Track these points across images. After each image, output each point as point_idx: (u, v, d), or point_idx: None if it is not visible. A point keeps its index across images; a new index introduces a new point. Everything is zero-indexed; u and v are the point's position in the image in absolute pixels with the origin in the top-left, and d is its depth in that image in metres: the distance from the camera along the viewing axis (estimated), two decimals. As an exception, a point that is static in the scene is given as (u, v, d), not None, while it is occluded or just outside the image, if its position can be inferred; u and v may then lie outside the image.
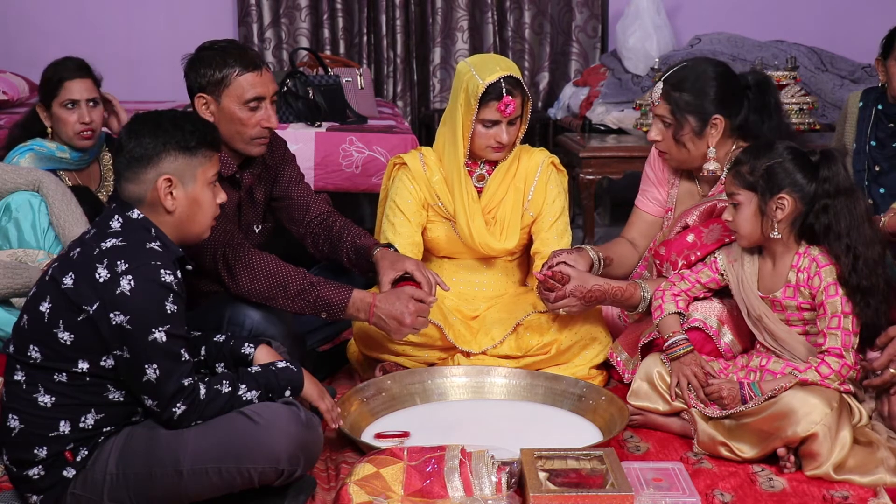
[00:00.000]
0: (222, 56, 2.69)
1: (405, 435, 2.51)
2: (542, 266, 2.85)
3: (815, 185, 2.40)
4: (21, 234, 2.97)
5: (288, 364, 2.22)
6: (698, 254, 2.69)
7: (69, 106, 3.15)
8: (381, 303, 2.63)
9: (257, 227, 2.98)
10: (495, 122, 2.90)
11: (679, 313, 2.62)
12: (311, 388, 2.24)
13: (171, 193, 2.10)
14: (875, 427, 2.48)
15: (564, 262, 2.81)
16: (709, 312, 2.66)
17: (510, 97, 2.86)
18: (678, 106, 2.79)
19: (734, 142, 2.84)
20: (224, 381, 2.08)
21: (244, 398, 2.09)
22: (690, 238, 2.73)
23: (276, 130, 2.95)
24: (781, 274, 2.49)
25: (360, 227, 2.96)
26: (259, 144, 2.77)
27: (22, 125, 3.31)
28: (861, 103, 3.55)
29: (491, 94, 2.86)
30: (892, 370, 2.47)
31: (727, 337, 2.64)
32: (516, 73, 2.90)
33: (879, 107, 3.49)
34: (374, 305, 2.63)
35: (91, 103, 3.18)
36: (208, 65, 2.69)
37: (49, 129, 3.19)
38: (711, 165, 2.82)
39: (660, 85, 2.83)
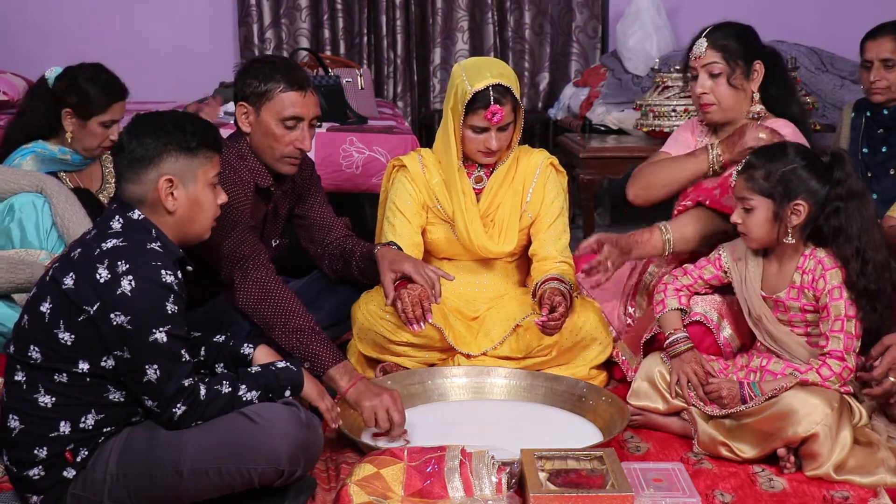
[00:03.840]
0: (270, 70, 2.72)
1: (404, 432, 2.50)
2: (540, 297, 2.85)
3: (827, 187, 2.39)
4: (24, 235, 2.98)
5: (288, 364, 2.22)
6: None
7: (108, 125, 3.19)
8: (353, 394, 2.49)
9: (275, 242, 3.00)
10: (484, 129, 2.89)
11: (681, 310, 2.63)
12: (311, 387, 2.24)
13: (172, 194, 2.10)
14: (875, 427, 2.48)
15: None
16: (709, 305, 2.68)
17: (498, 105, 2.84)
18: (729, 51, 2.88)
19: (764, 113, 2.93)
20: (224, 382, 2.08)
21: (244, 398, 2.09)
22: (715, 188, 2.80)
23: None
24: (786, 275, 2.49)
25: (369, 244, 2.95)
26: (288, 164, 2.78)
27: (22, 127, 3.30)
28: (853, 114, 3.68)
29: (478, 101, 2.84)
30: (892, 378, 2.46)
31: (726, 331, 2.66)
32: (507, 81, 2.86)
33: (868, 114, 3.58)
34: (346, 391, 2.50)
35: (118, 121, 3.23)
36: (255, 76, 2.73)
37: (69, 135, 3.19)
38: (756, 108, 2.91)
39: (702, 40, 2.91)
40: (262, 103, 2.72)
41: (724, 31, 2.93)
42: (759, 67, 2.90)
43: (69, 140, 3.20)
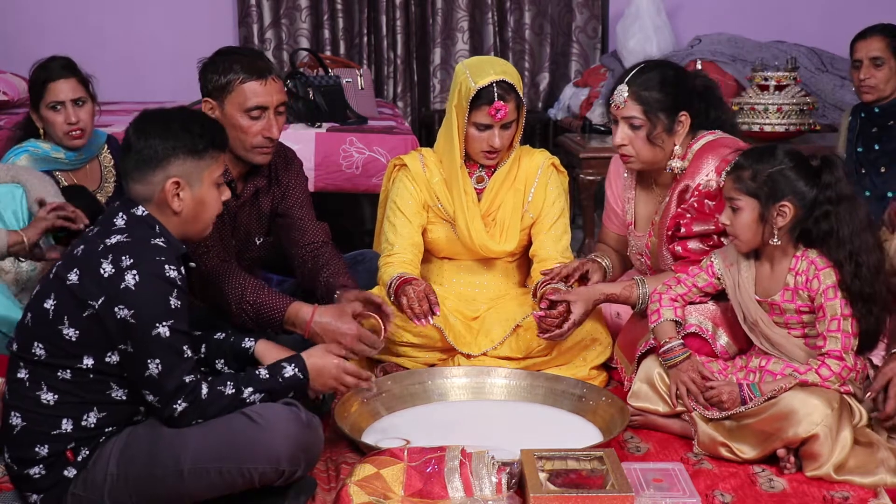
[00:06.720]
0: (229, 62, 2.68)
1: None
2: (539, 296, 2.85)
3: (816, 190, 2.39)
4: (4, 223, 2.96)
5: (295, 372, 2.18)
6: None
7: (56, 107, 3.11)
8: (320, 317, 2.55)
9: (259, 240, 2.97)
10: (488, 126, 2.89)
11: (676, 321, 2.61)
12: (317, 377, 2.21)
13: (178, 195, 2.11)
14: (875, 427, 2.48)
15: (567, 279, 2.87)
16: (703, 315, 2.65)
17: (502, 102, 2.84)
18: (650, 105, 2.71)
19: (692, 136, 2.81)
20: (228, 383, 2.09)
21: (247, 401, 2.09)
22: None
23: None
24: (779, 277, 2.48)
25: (345, 265, 2.88)
26: (260, 154, 2.74)
27: (20, 127, 3.30)
28: (850, 117, 3.78)
29: (482, 98, 2.85)
30: None
31: (723, 339, 2.64)
32: (510, 78, 2.87)
33: (863, 115, 3.67)
34: (310, 322, 2.56)
35: (78, 102, 3.13)
36: (215, 70, 2.69)
37: (41, 132, 3.18)
38: (676, 163, 2.77)
39: (623, 87, 2.74)
40: (224, 96, 2.68)
41: (647, 80, 2.72)
42: (683, 119, 2.73)
43: (42, 136, 3.18)
